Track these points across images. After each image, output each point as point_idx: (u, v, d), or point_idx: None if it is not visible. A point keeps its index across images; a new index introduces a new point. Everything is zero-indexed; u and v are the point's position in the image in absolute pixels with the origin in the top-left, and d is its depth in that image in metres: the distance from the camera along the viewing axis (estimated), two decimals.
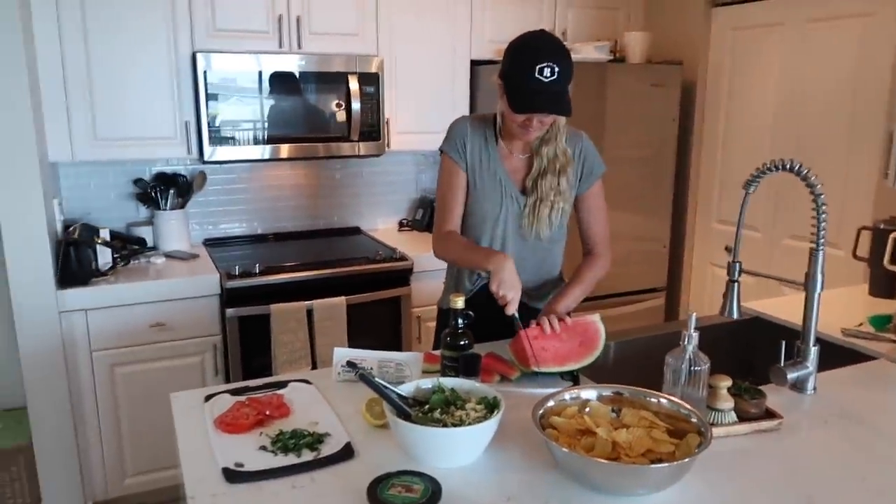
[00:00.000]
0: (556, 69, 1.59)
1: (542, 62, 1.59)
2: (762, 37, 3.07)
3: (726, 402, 1.37)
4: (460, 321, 1.48)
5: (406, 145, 3.18)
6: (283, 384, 1.58)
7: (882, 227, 2.30)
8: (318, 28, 2.93)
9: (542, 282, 1.94)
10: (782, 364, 1.55)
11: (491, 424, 1.22)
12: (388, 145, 3.11)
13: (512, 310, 1.60)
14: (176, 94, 2.75)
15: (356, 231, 3.47)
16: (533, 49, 1.63)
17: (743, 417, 1.38)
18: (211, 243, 3.18)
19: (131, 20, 2.62)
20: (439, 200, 1.90)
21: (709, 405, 1.38)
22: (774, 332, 2.04)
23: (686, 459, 1.09)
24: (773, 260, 3.11)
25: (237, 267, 2.66)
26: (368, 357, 1.59)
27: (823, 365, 1.62)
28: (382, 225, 3.56)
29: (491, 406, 1.28)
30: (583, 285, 1.83)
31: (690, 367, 1.36)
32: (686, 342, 1.37)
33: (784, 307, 2.14)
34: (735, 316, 1.68)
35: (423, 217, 3.46)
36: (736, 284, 1.67)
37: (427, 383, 1.35)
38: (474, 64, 3.26)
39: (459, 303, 1.48)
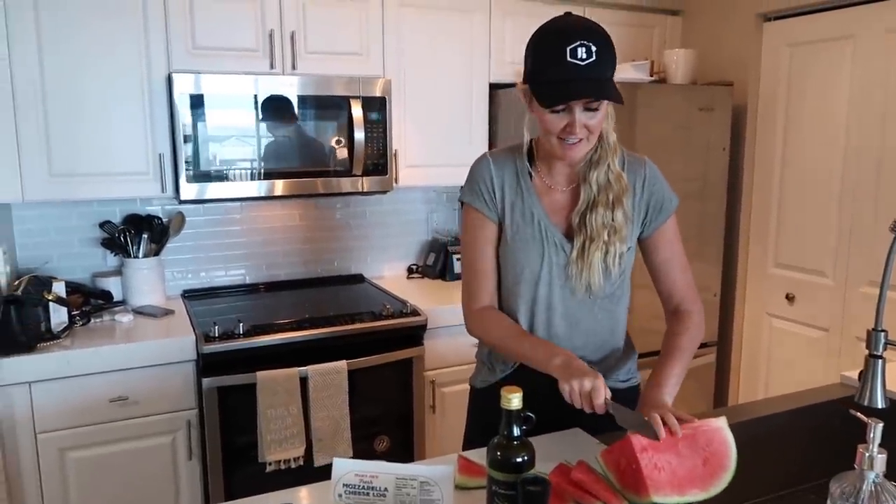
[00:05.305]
0: (594, 48, 1.22)
1: (574, 42, 1.22)
2: (826, 52, 2.66)
3: None
4: (515, 429, 1.02)
5: (416, 180, 2.75)
6: None
7: None
8: (315, 46, 2.53)
9: (604, 352, 1.50)
10: None
11: None
12: (395, 181, 2.68)
13: (601, 399, 1.17)
14: (148, 121, 2.34)
15: (359, 279, 3.02)
16: (560, 31, 1.26)
17: None
18: (191, 296, 2.73)
19: (95, 36, 2.22)
20: (467, 265, 1.49)
21: None
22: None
23: None
24: (847, 312, 2.65)
25: (216, 327, 2.20)
26: (381, 472, 1.13)
27: None
28: (389, 272, 3.11)
29: None
30: (682, 358, 1.39)
31: None
32: (864, 466, 0.92)
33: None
34: (881, 405, 1.24)
35: (436, 262, 3.01)
36: (880, 362, 1.24)
37: None
38: (493, 88, 2.86)
39: (515, 401, 1.01)
